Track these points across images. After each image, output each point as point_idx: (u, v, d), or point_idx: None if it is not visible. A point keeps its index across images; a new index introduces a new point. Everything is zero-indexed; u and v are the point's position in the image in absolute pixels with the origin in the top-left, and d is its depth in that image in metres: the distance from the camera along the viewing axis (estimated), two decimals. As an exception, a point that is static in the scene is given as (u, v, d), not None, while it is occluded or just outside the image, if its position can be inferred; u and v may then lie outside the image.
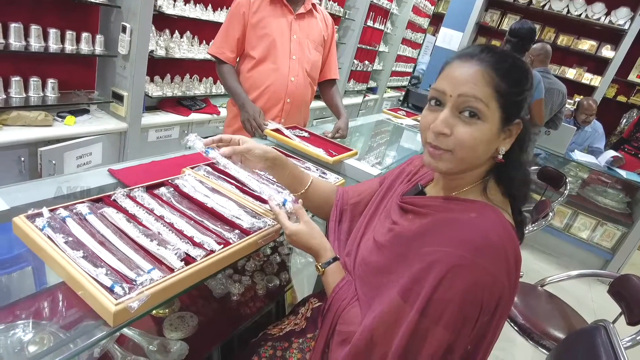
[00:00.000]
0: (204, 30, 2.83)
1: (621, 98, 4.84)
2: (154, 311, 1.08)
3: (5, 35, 1.83)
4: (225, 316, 1.19)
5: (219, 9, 2.84)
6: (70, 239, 0.75)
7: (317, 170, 1.36)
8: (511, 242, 0.68)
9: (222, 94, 3.08)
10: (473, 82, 0.67)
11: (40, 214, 0.79)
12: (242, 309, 1.24)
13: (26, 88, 1.96)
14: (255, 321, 1.24)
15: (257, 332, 1.09)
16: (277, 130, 1.66)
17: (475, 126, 0.67)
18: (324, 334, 0.80)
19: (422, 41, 6.86)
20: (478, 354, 0.68)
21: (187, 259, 0.78)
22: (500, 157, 0.71)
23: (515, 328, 1.59)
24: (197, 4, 2.65)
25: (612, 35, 4.69)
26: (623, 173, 3.50)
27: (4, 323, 0.70)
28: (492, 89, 0.67)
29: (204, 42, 2.83)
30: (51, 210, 0.81)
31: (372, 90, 5.87)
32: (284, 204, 0.88)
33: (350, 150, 1.63)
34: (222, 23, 2.80)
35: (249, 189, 1.00)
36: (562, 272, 1.82)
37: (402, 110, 3.15)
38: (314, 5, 1.87)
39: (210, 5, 2.76)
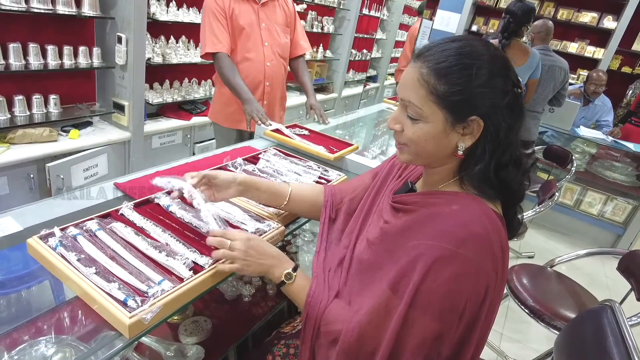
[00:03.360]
0: (199, 34, 2.84)
1: (626, 69, 4.74)
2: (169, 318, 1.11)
3: (5, 56, 1.86)
4: (238, 318, 1.22)
5: (212, 10, 2.84)
6: (83, 256, 0.78)
7: (318, 168, 1.37)
8: (495, 230, 0.68)
9: (221, 95, 3.09)
10: (408, 86, 0.71)
11: (52, 234, 0.82)
12: (255, 309, 1.27)
13: (29, 106, 2.00)
14: (268, 320, 1.27)
15: (270, 330, 1.12)
16: (277, 130, 1.68)
17: (418, 125, 0.71)
18: (307, 341, 0.80)
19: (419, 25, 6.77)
20: (470, 343, 0.69)
21: (196, 268, 0.81)
22: (460, 153, 0.71)
23: (526, 311, 1.60)
24: (190, 8, 2.66)
25: (614, 6, 4.58)
26: (631, 146, 3.45)
27: (27, 339, 0.74)
28: (427, 91, 0.69)
29: (200, 45, 2.83)
30: (62, 229, 0.84)
31: (372, 78, 5.83)
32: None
33: (351, 145, 1.64)
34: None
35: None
36: (574, 250, 1.81)
37: (403, 98, 3.12)
38: None
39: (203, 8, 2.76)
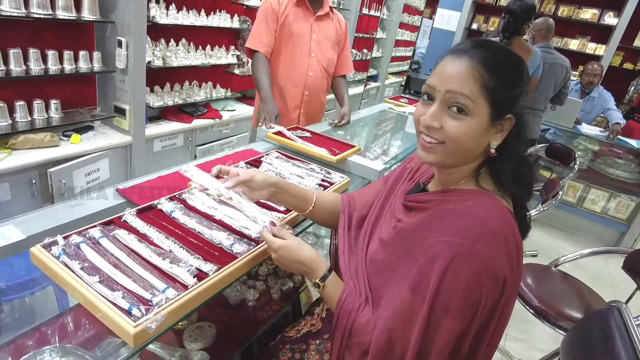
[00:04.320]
0: (199, 36, 2.84)
1: (628, 65, 4.73)
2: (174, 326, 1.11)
3: (6, 62, 1.86)
4: (243, 322, 1.22)
5: (212, 13, 2.83)
6: (86, 264, 0.78)
7: (321, 170, 1.37)
8: (509, 226, 0.69)
9: (222, 97, 3.09)
10: (460, 78, 0.70)
11: (55, 242, 0.81)
12: (259, 313, 1.26)
13: (30, 111, 1.99)
14: (273, 324, 1.27)
15: (275, 334, 1.12)
16: (279, 133, 1.67)
17: (463, 121, 0.70)
18: (335, 350, 0.80)
19: (419, 24, 6.76)
20: (486, 339, 0.69)
21: (200, 275, 0.80)
22: (493, 151, 0.73)
23: (531, 311, 1.59)
24: (190, 11, 2.65)
25: (614, 2, 4.57)
26: (634, 143, 3.44)
27: (32, 346, 0.73)
28: (480, 85, 0.69)
29: (200, 47, 2.83)
30: (65, 237, 0.83)
31: (372, 78, 5.82)
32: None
33: (354, 146, 1.64)
34: (215, 27, 2.84)
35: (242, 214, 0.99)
36: (578, 248, 1.81)
37: (404, 97, 3.13)
38: (331, 8, 2.05)
39: (203, 10, 2.75)
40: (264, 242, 0.90)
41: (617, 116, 3.57)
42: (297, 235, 1.12)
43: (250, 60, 2.01)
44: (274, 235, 0.86)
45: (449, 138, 0.71)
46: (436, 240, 0.68)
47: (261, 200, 1.04)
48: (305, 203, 1.00)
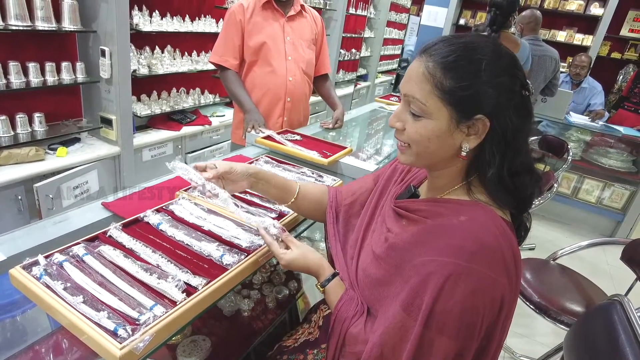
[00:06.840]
0: (185, 42, 2.80)
1: (615, 55, 4.76)
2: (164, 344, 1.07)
3: (-15, 76, 1.82)
4: (238, 334, 1.19)
5: (197, 18, 2.80)
6: (69, 284, 0.74)
7: (312, 174, 1.34)
8: (506, 239, 0.66)
9: (211, 103, 3.06)
10: (413, 80, 0.68)
11: (36, 262, 0.78)
12: (255, 323, 1.23)
13: (13, 126, 1.95)
14: (270, 333, 1.23)
15: (273, 343, 1.09)
16: (268, 137, 1.64)
17: (421, 122, 0.68)
18: (330, 356, 0.79)
19: (406, 21, 6.77)
20: (488, 355, 0.67)
21: (189, 289, 0.77)
22: (464, 154, 0.68)
23: (532, 307, 1.57)
24: (174, 17, 2.62)
25: (599, -8, 4.59)
26: (621, 129, 3.45)
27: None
28: (432, 86, 0.65)
29: (186, 54, 2.80)
30: (47, 257, 0.80)
31: (362, 77, 5.81)
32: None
33: (345, 147, 1.61)
34: (201, 33, 2.80)
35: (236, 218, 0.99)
36: (574, 239, 1.80)
37: (394, 96, 3.12)
38: (302, 6, 1.95)
39: (187, 16, 2.72)
40: (254, 252, 0.88)
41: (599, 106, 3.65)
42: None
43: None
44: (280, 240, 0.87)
45: (410, 140, 0.70)
46: (429, 259, 0.65)
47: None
48: (288, 194, 0.99)
